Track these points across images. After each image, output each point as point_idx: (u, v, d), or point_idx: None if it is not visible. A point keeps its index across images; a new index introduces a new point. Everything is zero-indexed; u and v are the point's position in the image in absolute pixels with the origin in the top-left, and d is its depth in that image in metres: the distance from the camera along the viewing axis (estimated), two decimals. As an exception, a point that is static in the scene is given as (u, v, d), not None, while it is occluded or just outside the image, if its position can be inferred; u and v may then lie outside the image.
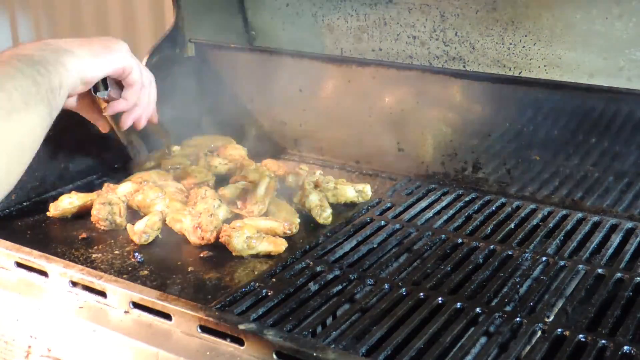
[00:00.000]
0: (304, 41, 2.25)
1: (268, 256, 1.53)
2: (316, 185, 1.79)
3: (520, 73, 1.93)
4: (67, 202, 1.71)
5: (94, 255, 1.55)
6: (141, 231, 1.58)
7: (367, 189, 1.80)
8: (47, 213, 1.71)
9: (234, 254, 1.53)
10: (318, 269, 1.46)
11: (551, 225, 1.65)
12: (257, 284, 1.40)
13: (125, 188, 1.74)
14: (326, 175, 1.86)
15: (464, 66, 2.01)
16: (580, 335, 1.22)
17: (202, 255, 1.54)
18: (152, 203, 1.68)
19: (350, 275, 1.43)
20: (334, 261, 1.49)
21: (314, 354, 1.11)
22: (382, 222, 1.67)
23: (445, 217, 1.70)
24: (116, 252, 1.57)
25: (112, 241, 1.61)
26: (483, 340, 1.25)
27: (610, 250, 1.54)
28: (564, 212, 1.71)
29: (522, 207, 1.74)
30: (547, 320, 1.28)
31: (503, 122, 1.85)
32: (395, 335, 1.22)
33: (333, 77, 2.06)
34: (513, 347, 1.20)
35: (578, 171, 1.77)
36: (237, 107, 2.21)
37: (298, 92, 2.12)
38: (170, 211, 1.66)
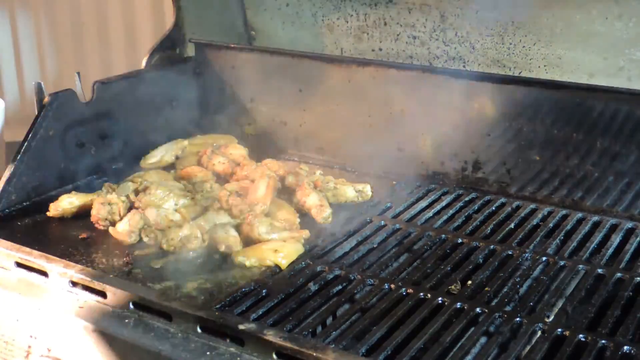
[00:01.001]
0: (304, 41, 2.25)
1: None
2: (316, 185, 1.79)
3: (520, 73, 1.93)
4: (67, 202, 1.71)
5: (93, 255, 1.55)
6: (128, 231, 1.58)
7: (367, 189, 1.80)
8: (47, 213, 1.71)
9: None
10: (318, 269, 1.46)
11: (551, 225, 1.65)
12: (257, 284, 1.40)
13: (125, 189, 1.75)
14: (326, 175, 1.86)
15: (464, 66, 2.01)
16: (580, 335, 1.22)
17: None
18: (160, 202, 1.69)
19: (350, 275, 1.43)
20: (334, 261, 1.49)
21: (314, 354, 1.12)
22: (382, 222, 1.67)
23: (445, 217, 1.70)
24: (116, 251, 1.57)
25: (112, 241, 1.61)
26: (483, 340, 1.25)
27: (610, 250, 1.54)
28: (564, 212, 1.71)
29: (522, 207, 1.74)
30: (547, 320, 1.28)
31: (503, 122, 1.85)
32: (395, 335, 1.22)
33: (333, 77, 2.05)
34: (513, 347, 1.20)
35: (578, 171, 1.77)
36: (237, 107, 2.21)
37: (298, 92, 2.12)
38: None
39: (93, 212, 1.66)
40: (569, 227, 1.64)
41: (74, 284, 1.36)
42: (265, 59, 2.16)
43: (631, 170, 1.71)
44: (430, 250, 1.55)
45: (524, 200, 1.77)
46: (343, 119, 2.05)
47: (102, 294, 1.32)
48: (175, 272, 1.49)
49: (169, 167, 1.98)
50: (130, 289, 1.31)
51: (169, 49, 2.19)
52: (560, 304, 1.35)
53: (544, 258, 1.50)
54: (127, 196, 1.72)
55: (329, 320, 1.31)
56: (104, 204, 1.66)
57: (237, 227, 1.61)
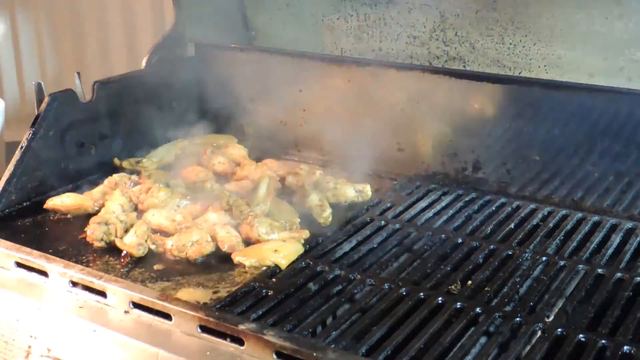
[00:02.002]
0: (304, 41, 2.25)
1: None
2: (316, 185, 1.79)
3: (520, 73, 1.93)
4: (59, 201, 1.74)
5: (94, 255, 1.55)
6: (136, 244, 1.54)
7: (367, 189, 1.80)
8: (44, 205, 1.73)
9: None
10: (318, 269, 1.46)
11: (551, 225, 1.65)
12: (257, 284, 1.40)
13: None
14: (326, 175, 1.86)
15: (464, 66, 2.01)
16: (580, 335, 1.22)
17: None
18: (163, 204, 1.68)
19: (350, 275, 1.43)
20: (334, 261, 1.49)
21: (314, 354, 1.12)
22: (382, 222, 1.67)
23: (445, 217, 1.70)
24: (116, 251, 1.57)
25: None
26: (483, 340, 1.25)
27: (610, 250, 1.53)
28: (564, 212, 1.71)
29: (522, 207, 1.74)
30: (547, 320, 1.28)
31: (503, 122, 1.85)
32: (395, 335, 1.22)
33: (333, 77, 2.06)
34: (513, 347, 1.20)
35: (578, 171, 1.77)
36: (237, 107, 2.21)
37: (298, 92, 2.12)
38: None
39: (88, 231, 1.60)
40: (569, 227, 1.64)
41: (74, 284, 1.36)
42: (265, 59, 2.16)
43: (631, 170, 1.71)
44: (430, 250, 1.55)
45: (524, 200, 1.77)
46: (343, 119, 2.05)
47: (102, 294, 1.32)
48: (175, 272, 1.49)
49: (169, 167, 1.98)
50: (130, 289, 1.30)
51: (169, 49, 2.19)
52: (560, 304, 1.35)
53: (544, 258, 1.50)
54: (130, 198, 1.72)
55: (329, 320, 1.31)
56: (100, 224, 1.60)
57: (237, 228, 1.61)
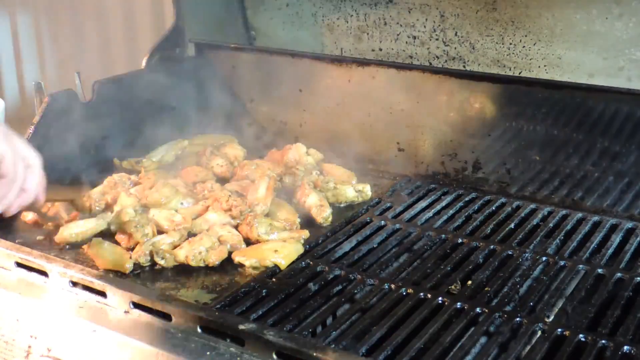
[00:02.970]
0: (304, 41, 2.25)
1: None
2: (316, 185, 1.79)
3: (520, 73, 1.93)
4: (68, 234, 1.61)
5: (94, 255, 1.55)
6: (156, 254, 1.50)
7: (367, 189, 1.80)
8: (55, 238, 1.60)
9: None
10: (318, 268, 1.46)
11: (551, 225, 1.65)
12: (257, 284, 1.40)
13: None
14: (326, 175, 1.86)
15: (464, 66, 2.01)
16: (580, 335, 1.22)
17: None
18: (166, 201, 1.68)
19: (351, 275, 1.43)
20: (334, 261, 1.49)
21: (314, 354, 1.12)
22: (382, 222, 1.67)
23: (445, 217, 1.70)
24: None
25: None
26: (483, 340, 1.25)
27: (610, 250, 1.53)
28: (564, 212, 1.71)
29: (522, 207, 1.74)
30: (547, 320, 1.28)
31: (503, 122, 1.85)
32: (395, 335, 1.22)
33: (333, 77, 2.06)
34: (513, 347, 1.20)
35: (578, 171, 1.77)
36: (237, 107, 2.21)
37: (298, 92, 2.12)
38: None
39: (134, 256, 1.49)
40: (569, 227, 1.64)
41: (74, 284, 1.36)
42: (265, 59, 2.16)
43: (631, 170, 1.71)
44: (430, 250, 1.55)
45: (524, 200, 1.77)
46: (343, 119, 2.05)
47: (102, 294, 1.32)
48: (175, 272, 1.49)
49: (169, 167, 1.98)
50: (130, 289, 1.30)
51: (169, 49, 2.19)
52: (560, 304, 1.35)
53: (544, 258, 1.50)
54: (135, 195, 1.71)
55: (329, 320, 1.31)
56: (141, 245, 1.51)
57: (236, 228, 1.61)
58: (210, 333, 1.22)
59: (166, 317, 1.25)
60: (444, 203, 1.77)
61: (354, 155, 2.00)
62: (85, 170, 1.91)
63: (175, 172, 1.92)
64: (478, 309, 1.31)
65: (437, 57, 2.05)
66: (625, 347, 1.19)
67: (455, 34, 2.00)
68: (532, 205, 1.74)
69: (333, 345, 1.18)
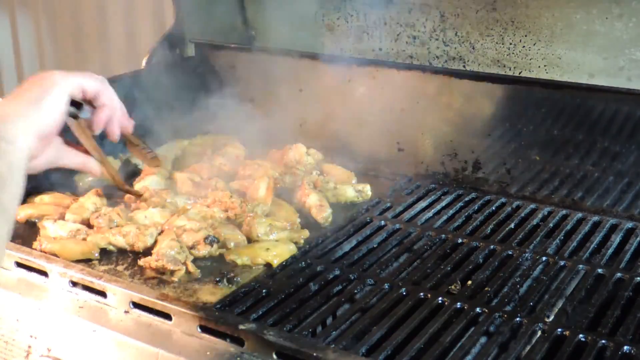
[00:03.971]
0: (304, 41, 2.25)
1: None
2: (316, 185, 1.79)
3: (520, 73, 1.93)
4: (38, 199, 1.71)
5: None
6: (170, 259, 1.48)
7: (367, 189, 1.80)
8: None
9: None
10: (318, 268, 1.46)
11: (551, 225, 1.65)
12: (257, 284, 1.40)
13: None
14: (326, 175, 1.86)
15: (464, 66, 2.01)
16: (580, 335, 1.22)
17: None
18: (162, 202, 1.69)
19: (350, 275, 1.43)
20: (334, 261, 1.49)
21: (314, 354, 1.12)
22: (382, 222, 1.67)
23: (445, 217, 1.70)
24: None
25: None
26: (483, 340, 1.25)
27: (610, 250, 1.53)
28: (564, 212, 1.71)
29: (522, 207, 1.74)
30: (547, 320, 1.28)
31: (503, 122, 1.85)
32: (395, 335, 1.22)
33: (333, 77, 2.06)
34: (513, 347, 1.20)
35: (578, 171, 1.77)
36: (237, 107, 2.21)
37: (298, 92, 2.12)
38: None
39: (156, 261, 1.46)
40: (569, 227, 1.64)
41: (74, 284, 1.36)
42: (265, 59, 2.16)
43: (631, 170, 1.71)
44: (430, 250, 1.55)
45: (524, 200, 1.77)
46: (343, 119, 2.05)
47: (102, 294, 1.32)
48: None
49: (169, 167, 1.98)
50: (130, 289, 1.30)
51: (169, 49, 2.19)
52: (560, 304, 1.35)
53: (544, 258, 1.50)
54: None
55: (329, 320, 1.31)
56: (165, 250, 1.47)
57: (237, 228, 1.61)
58: (210, 333, 1.22)
59: (166, 317, 1.25)
60: (444, 203, 1.77)
61: (354, 155, 2.00)
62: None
63: (174, 171, 1.92)
64: (478, 309, 1.31)
65: (437, 57, 2.05)
66: (625, 347, 1.19)
67: (455, 34, 2.00)
68: (532, 205, 1.74)
69: (333, 345, 1.18)
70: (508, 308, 1.32)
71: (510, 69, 1.95)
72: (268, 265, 1.48)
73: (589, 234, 1.61)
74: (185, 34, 2.23)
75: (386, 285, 1.39)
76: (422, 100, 1.93)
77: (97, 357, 1.28)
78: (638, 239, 1.57)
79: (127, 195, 1.71)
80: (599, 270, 1.45)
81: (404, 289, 1.38)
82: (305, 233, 1.59)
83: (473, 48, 1.98)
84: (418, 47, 2.07)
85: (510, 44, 1.92)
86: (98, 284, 1.33)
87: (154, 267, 1.45)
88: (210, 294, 1.39)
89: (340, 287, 1.40)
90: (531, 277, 1.44)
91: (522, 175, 1.83)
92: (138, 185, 1.77)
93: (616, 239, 1.58)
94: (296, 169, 1.88)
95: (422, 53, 2.07)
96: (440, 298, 1.35)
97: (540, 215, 1.70)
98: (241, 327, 1.18)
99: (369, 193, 1.80)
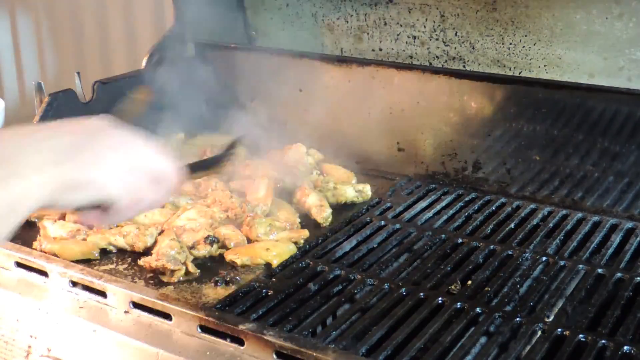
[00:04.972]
0: (304, 41, 2.25)
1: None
2: (316, 185, 1.79)
3: (520, 73, 1.93)
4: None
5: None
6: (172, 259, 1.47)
7: (367, 189, 1.80)
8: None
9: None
10: (318, 268, 1.46)
11: (551, 225, 1.65)
12: (257, 284, 1.40)
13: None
14: (326, 175, 1.86)
15: (464, 66, 2.01)
16: (580, 335, 1.22)
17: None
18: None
19: (351, 275, 1.43)
20: (334, 261, 1.49)
21: (314, 354, 1.12)
22: (382, 222, 1.67)
23: (445, 217, 1.70)
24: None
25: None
26: (483, 340, 1.25)
27: (610, 250, 1.53)
28: (564, 212, 1.71)
29: (522, 207, 1.74)
30: (547, 320, 1.28)
31: (503, 122, 1.85)
32: (395, 335, 1.22)
33: (333, 77, 2.06)
34: (513, 347, 1.20)
35: (578, 171, 1.77)
36: (237, 106, 2.21)
37: (298, 92, 2.12)
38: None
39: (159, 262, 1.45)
40: (569, 227, 1.64)
41: (74, 284, 1.36)
42: (265, 59, 2.16)
43: (631, 170, 1.71)
44: (430, 250, 1.55)
45: (524, 200, 1.77)
46: (343, 119, 2.05)
47: (102, 294, 1.32)
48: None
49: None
50: (130, 289, 1.31)
51: (169, 49, 2.18)
52: (560, 304, 1.35)
53: (544, 258, 1.50)
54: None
55: (329, 320, 1.31)
56: (166, 249, 1.46)
57: (237, 228, 1.61)
58: (210, 333, 1.22)
59: (166, 317, 1.25)
60: (444, 203, 1.77)
61: (354, 155, 2.00)
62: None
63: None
64: (478, 309, 1.31)
65: (437, 57, 2.05)
66: (625, 347, 1.19)
67: (455, 34, 2.00)
68: (532, 205, 1.74)
69: (333, 345, 1.18)
70: (508, 308, 1.32)
71: (510, 69, 1.95)
72: (268, 265, 1.49)
73: (589, 234, 1.61)
74: (185, 34, 2.22)
75: (386, 285, 1.39)
76: (422, 100, 1.93)
77: (97, 357, 1.28)
78: (638, 239, 1.57)
79: None
80: (599, 270, 1.45)
81: (404, 289, 1.38)
82: (305, 233, 1.59)
83: (473, 48, 1.98)
84: (418, 47, 2.07)
85: (510, 44, 1.92)
86: (98, 284, 1.33)
87: (154, 267, 1.45)
88: (210, 294, 1.39)
89: (340, 287, 1.40)
90: (531, 277, 1.44)
91: (522, 175, 1.83)
92: None
93: (616, 239, 1.58)
94: (296, 169, 1.88)
95: (422, 53, 2.07)
96: (440, 298, 1.35)
97: (540, 215, 1.70)
98: (241, 327, 1.18)
99: (369, 193, 1.80)
